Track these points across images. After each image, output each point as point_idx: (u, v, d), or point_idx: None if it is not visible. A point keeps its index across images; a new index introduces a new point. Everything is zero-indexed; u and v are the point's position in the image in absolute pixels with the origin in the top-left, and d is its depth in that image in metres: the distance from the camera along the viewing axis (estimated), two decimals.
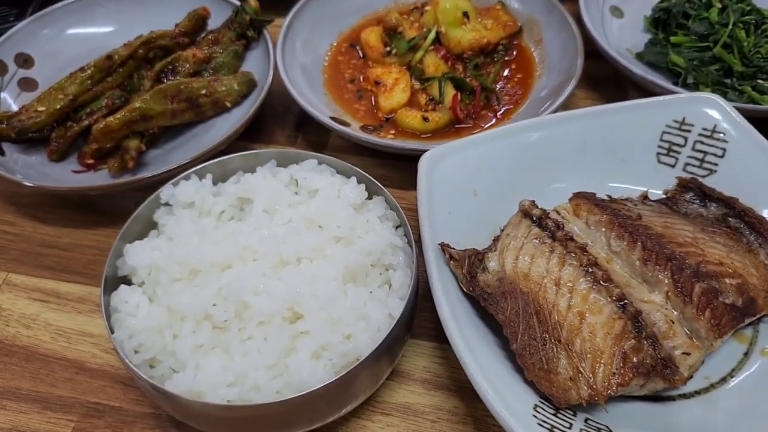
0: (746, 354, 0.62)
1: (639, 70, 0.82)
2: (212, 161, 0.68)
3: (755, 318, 0.61)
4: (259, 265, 0.59)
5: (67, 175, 0.78)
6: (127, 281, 0.62)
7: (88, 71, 0.80)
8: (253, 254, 0.60)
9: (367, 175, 0.66)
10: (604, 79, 0.88)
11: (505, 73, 0.88)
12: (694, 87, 0.84)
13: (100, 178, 0.77)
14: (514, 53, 0.89)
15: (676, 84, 0.85)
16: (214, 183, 0.68)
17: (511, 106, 0.83)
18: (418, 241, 0.64)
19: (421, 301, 0.64)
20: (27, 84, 0.87)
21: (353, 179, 0.67)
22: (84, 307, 0.71)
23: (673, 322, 0.59)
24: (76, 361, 0.67)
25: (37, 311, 0.71)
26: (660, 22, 0.91)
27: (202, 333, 0.57)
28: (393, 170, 0.79)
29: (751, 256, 0.65)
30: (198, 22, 0.88)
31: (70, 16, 0.91)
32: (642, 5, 0.95)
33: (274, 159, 0.69)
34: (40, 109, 0.77)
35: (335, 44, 0.91)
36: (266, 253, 0.59)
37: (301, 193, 0.67)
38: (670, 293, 0.60)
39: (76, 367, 0.66)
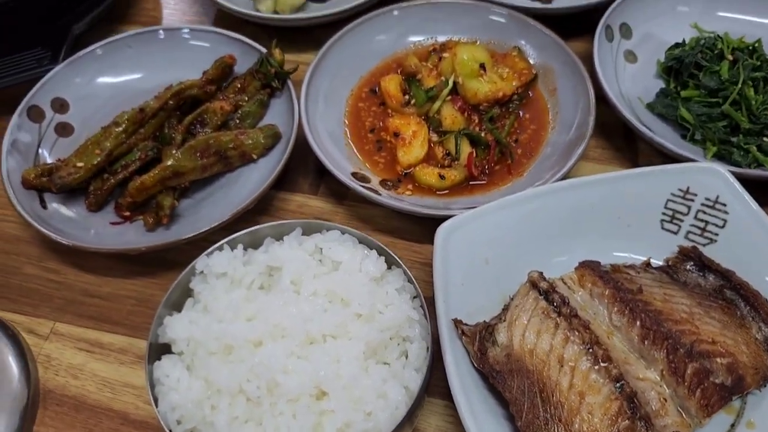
0: (733, 425, 0.68)
1: (647, 129, 0.85)
2: (243, 232, 0.73)
3: (744, 394, 0.67)
4: (287, 343, 0.65)
5: (105, 227, 0.83)
6: (167, 346, 0.69)
7: (123, 125, 0.85)
8: (282, 331, 0.66)
9: (386, 248, 0.71)
10: (615, 127, 0.92)
11: (520, 121, 0.91)
12: (702, 143, 0.87)
13: (136, 230, 0.83)
14: (530, 100, 0.93)
15: (684, 137, 0.89)
16: (245, 248, 0.73)
17: (525, 160, 0.87)
18: (433, 311, 0.69)
19: (435, 361, 0.69)
20: (64, 129, 0.92)
21: (374, 252, 0.72)
22: (126, 358, 0.77)
23: (666, 400, 0.65)
24: (121, 412, 0.74)
25: (83, 361, 0.77)
26: (672, 70, 0.94)
27: (238, 406, 0.63)
28: (412, 223, 0.84)
29: (743, 332, 0.70)
30: (225, 69, 0.92)
31: (100, 59, 0.95)
32: (656, 49, 0.97)
33: (300, 228, 0.74)
34: (79, 165, 0.82)
35: (356, 89, 0.94)
36: (294, 331, 0.65)
37: (326, 262, 0.72)
38: (664, 372, 0.66)
39: (121, 417, 0.73)
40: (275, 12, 1.03)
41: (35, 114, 0.90)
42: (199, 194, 0.87)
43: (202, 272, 0.71)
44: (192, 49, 0.96)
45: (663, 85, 0.94)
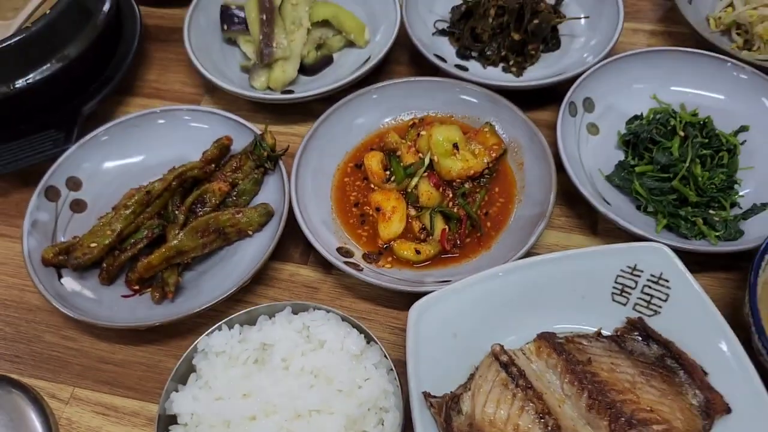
0: None
1: (604, 202, 0.95)
2: (240, 313, 0.84)
3: None
4: (278, 418, 0.75)
5: (117, 300, 0.94)
6: (174, 418, 0.79)
7: (131, 208, 0.95)
8: (273, 408, 0.76)
9: (364, 327, 0.82)
10: (576, 196, 1.00)
11: (491, 195, 1.00)
12: (653, 215, 0.96)
13: (145, 302, 0.93)
14: (500, 173, 1.02)
15: (639, 208, 0.98)
16: (242, 325, 0.83)
17: (493, 233, 0.96)
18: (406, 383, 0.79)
19: (408, 429, 0.79)
20: (78, 205, 1.02)
21: (354, 330, 0.82)
22: (138, 420, 0.88)
23: None
24: None
25: (100, 424, 0.88)
26: (630, 143, 1.03)
27: None
28: (391, 293, 0.94)
29: (680, 399, 0.79)
30: (222, 150, 1.02)
31: (109, 141, 1.05)
32: (617, 121, 1.06)
33: (290, 307, 0.84)
34: (92, 245, 0.92)
35: (342, 165, 1.04)
36: (283, 407, 0.76)
37: (312, 339, 0.82)
38: None
39: None
40: (268, 88, 1.12)
41: (52, 194, 1.00)
42: (201, 267, 0.97)
43: (203, 350, 0.82)
44: (191, 129, 1.05)
45: (623, 156, 1.04)
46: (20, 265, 0.96)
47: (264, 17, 1.11)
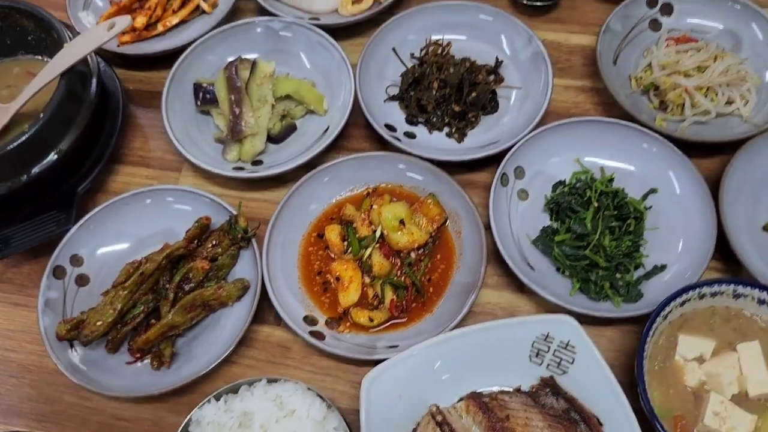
0: None
1: (527, 268, 1.13)
2: (225, 387, 1.03)
3: None
4: None
5: (121, 366, 1.12)
6: None
7: (128, 289, 1.12)
8: None
9: (325, 397, 1.01)
10: None
11: (434, 262, 1.18)
12: (570, 277, 1.14)
13: (146, 367, 1.12)
14: (442, 241, 1.19)
15: (558, 270, 1.16)
16: (227, 394, 1.03)
17: (435, 298, 1.14)
18: None
19: None
20: (81, 279, 1.19)
21: (318, 399, 1.01)
22: None
23: None
24: None
25: None
26: (553, 211, 1.20)
27: None
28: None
29: None
30: (203, 228, 1.18)
31: (104, 219, 1.20)
32: (544, 185, 1.23)
33: (265, 379, 1.03)
34: (98, 323, 1.10)
35: (306, 235, 1.21)
36: None
37: (284, 408, 1.02)
38: None
39: None
40: (240, 159, 1.28)
41: (59, 272, 1.17)
42: (190, 333, 1.15)
43: (197, 420, 1.01)
44: (175, 208, 1.21)
45: (548, 217, 1.21)
46: (37, 332, 1.14)
47: (232, 97, 1.25)
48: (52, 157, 1.17)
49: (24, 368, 1.17)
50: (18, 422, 1.13)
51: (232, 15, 1.43)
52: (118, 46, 1.40)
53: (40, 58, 1.35)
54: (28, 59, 1.36)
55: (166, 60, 1.37)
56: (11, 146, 1.12)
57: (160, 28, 1.42)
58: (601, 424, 1.01)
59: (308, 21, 1.38)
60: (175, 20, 1.42)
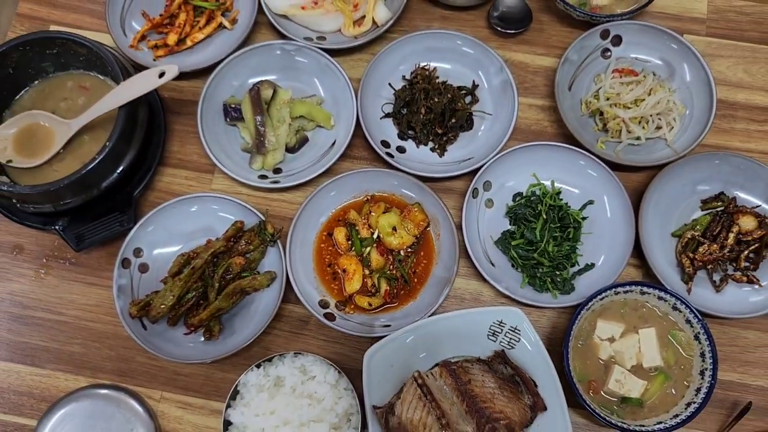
0: None
1: (489, 265, 1.49)
2: (264, 359, 1.40)
3: None
4: (291, 428, 1.35)
5: (181, 336, 1.49)
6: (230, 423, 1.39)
7: (183, 280, 1.47)
8: (287, 421, 1.35)
9: (337, 367, 1.40)
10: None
11: (418, 258, 1.53)
12: (521, 272, 1.51)
13: (199, 338, 1.49)
14: (425, 241, 1.54)
15: (513, 266, 1.52)
16: (265, 362, 1.41)
17: (419, 287, 1.51)
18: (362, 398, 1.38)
19: (365, 426, 1.40)
20: (143, 267, 1.53)
21: (331, 368, 1.40)
22: (204, 411, 1.47)
23: None
24: None
25: (181, 414, 1.48)
26: (512, 217, 1.54)
27: None
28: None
29: (518, 402, 1.39)
30: (237, 231, 1.51)
31: (157, 219, 1.52)
32: (507, 195, 1.56)
33: (293, 353, 1.41)
34: (162, 306, 1.45)
35: (318, 234, 1.55)
36: (293, 420, 1.35)
37: (307, 374, 1.40)
38: (475, 428, 1.37)
39: None
40: (263, 168, 1.59)
41: (126, 263, 1.50)
42: (232, 311, 1.51)
43: (243, 383, 1.40)
44: (215, 211, 1.54)
45: (508, 223, 1.55)
46: (110, 306, 1.48)
47: (258, 118, 1.54)
48: (117, 173, 1.48)
49: (103, 335, 1.53)
50: (103, 376, 1.51)
51: (251, 30, 1.68)
52: (155, 60, 1.66)
53: (91, 74, 1.61)
54: (80, 73, 1.61)
55: (195, 72, 1.64)
56: (85, 171, 1.41)
57: (188, 43, 1.67)
58: (536, 386, 1.41)
59: (317, 41, 1.64)
60: (201, 36, 1.67)
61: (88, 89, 1.60)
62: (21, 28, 1.75)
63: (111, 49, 1.55)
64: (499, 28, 1.68)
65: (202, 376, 1.50)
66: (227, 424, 1.39)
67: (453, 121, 1.57)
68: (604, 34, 1.63)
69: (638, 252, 1.50)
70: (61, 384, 1.50)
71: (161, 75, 1.43)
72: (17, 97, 1.59)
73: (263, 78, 1.63)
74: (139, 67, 1.63)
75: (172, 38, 1.65)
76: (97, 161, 1.42)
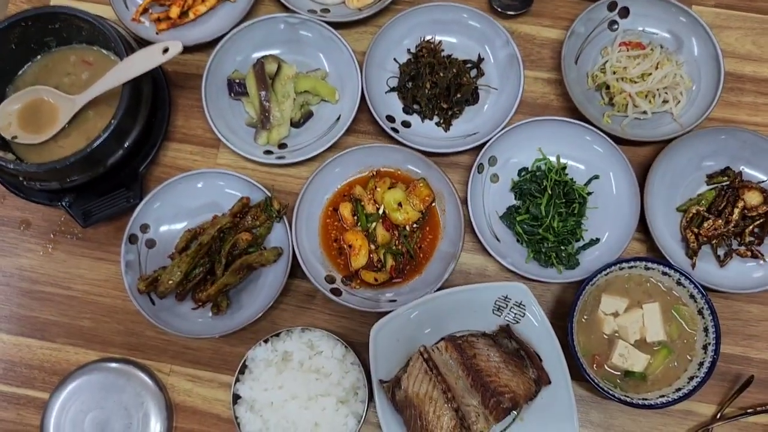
0: (512, 421, 1.43)
1: (494, 240, 1.50)
2: (271, 334, 1.42)
3: (518, 409, 1.41)
4: (298, 402, 1.37)
5: (189, 310, 1.51)
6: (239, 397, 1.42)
7: (190, 256, 1.48)
8: (295, 395, 1.38)
9: (344, 342, 1.41)
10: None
11: (424, 233, 1.54)
12: (526, 247, 1.52)
13: (207, 313, 1.51)
14: (430, 216, 1.54)
15: (518, 241, 1.53)
16: (272, 337, 1.43)
17: (424, 262, 1.52)
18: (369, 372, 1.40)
19: (371, 400, 1.42)
20: (150, 243, 1.54)
21: (339, 343, 1.42)
22: (213, 384, 1.50)
23: (479, 415, 1.39)
24: (215, 414, 1.49)
25: (191, 387, 1.50)
26: (517, 193, 1.54)
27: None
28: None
29: (523, 376, 1.41)
30: (243, 207, 1.52)
31: (163, 195, 1.53)
32: (512, 170, 1.56)
33: (300, 328, 1.43)
34: (170, 282, 1.47)
35: (324, 209, 1.55)
36: (302, 394, 1.38)
37: (314, 349, 1.42)
38: (480, 401, 1.39)
39: (215, 417, 1.49)
40: (268, 143, 1.58)
41: (133, 239, 1.51)
42: (240, 286, 1.53)
43: (252, 358, 1.42)
44: (220, 186, 1.54)
45: (513, 198, 1.56)
46: (119, 281, 1.50)
47: (262, 94, 1.54)
48: (123, 150, 1.48)
49: (112, 309, 1.55)
50: (113, 350, 1.53)
51: (255, 2, 1.66)
52: (157, 33, 1.64)
53: (94, 48, 1.59)
54: (83, 48, 1.60)
55: (199, 45, 1.62)
56: (90, 149, 1.41)
57: (191, 15, 1.66)
58: (540, 360, 1.43)
59: (320, 14, 1.63)
60: (203, 9, 1.66)
61: (91, 64, 1.59)
62: (21, 1, 1.73)
63: (113, 24, 1.54)
64: (499, 9, 1.66)
65: (210, 350, 1.52)
66: (236, 397, 1.41)
67: (458, 95, 1.56)
68: (612, 6, 1.61)
69: (643, 226, 1.50)
70: (71, 358, 1.52)
71: (165, 51, 1.42)
72: (20, 72, 1.58)
73: (267, 52, 1.61)
74: (142, 41, 1.63)
75: (174, 11, 1.64)
76: (102, 138, 1.42)
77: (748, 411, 1.45)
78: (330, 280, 1.51)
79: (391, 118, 1.59)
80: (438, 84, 1.55)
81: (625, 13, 1.62)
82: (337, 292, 1.48)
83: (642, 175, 1.53)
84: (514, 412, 1.42)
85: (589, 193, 1.53)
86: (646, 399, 1.39)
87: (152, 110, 1.55)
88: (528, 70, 1.63)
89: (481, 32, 1.62)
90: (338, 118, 1.59)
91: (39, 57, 1.60)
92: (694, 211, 1.51)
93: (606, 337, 1.45)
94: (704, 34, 1.57)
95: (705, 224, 1.49)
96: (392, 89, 1.62)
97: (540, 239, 1.50)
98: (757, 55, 1.65)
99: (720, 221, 1.48)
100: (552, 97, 1.64)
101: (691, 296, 1.43)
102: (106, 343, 1.53)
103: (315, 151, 1.54)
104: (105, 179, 1.51)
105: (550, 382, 1.41)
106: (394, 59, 1.63)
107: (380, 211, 1.52)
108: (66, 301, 1.56)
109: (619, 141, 1.53)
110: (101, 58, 1.59)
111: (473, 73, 1.62)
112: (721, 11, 1.68)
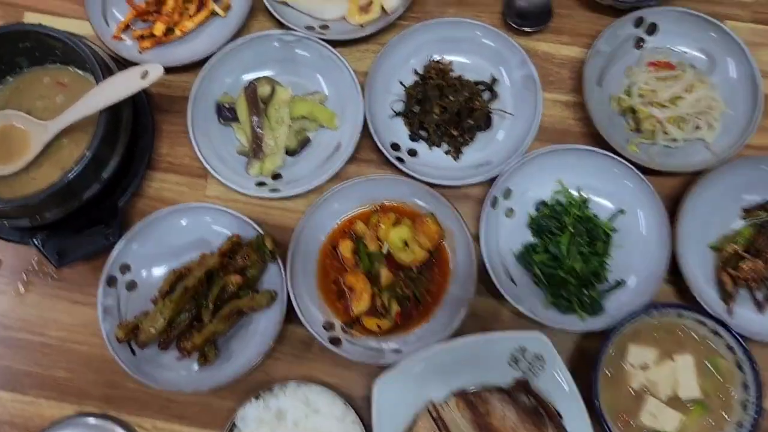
0: None
1: (509, 282, 1.36)
2: (263, 391, 1.28)
3: None
4: None
5: (173, 360, 1.37)
6: None
7: (174, 301, 1.34)
8: None
9: (342, 397, 1.28)
10: None
11: (432, 273, 1.40)
12: (546, 292, 1.37)
13: (194, 363, 1.37)
14: (439, 254, 1.40)
15: (535, 283, 1.39)
16: (264, 391, 1.29)
17: (432, 306, 1.38)
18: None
19: None
20: (131, 285, 1.41)
21: (337, 398, 1.28)
22: None
23: None
24: None
25: None
26: (534, 230, 1.40)
27: None
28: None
29: None
30: (234, 245, 1.38)
31: (145, 232, 1.39)
32: (529, 203, 1.42)
33: (294, 383, 1.29)
34: (152, 330, 1.33)
35: (322, 248, 1.41)
36: None
37: (310, 406, 1.28)
38: None
39: None
40: (261, 173, 1.44)
41: (112, 282, 1.38)
42: (230, 332, 1.39)
43: (242, 417, 1.28)
44: (209, 225, 1.40)
45: (530, 233, 1.41)
46: (97, 326, 1.36)
47: (254, 119, 1.40)
48: (100, 183, 1.34)
49: (90, 358, 1.42)
50: (90, 403, 1.40)
51: (247, 18, 1.51)
52: (140, 52, 1.51)
53: (69, 68, 1.46)
54: (56, 68, 1.47)
55: (185, 66, 1.48)
56: (63, 183, 1.28)
57: (177, 32, 1.52)
58: (561, 418, 1.29)
59: (319, 31, 1.48)
60: (191, 25, 1.52)
61: (66, 86, 1.46)
62: None
63: (89, 43, 1.40)
64: (515, 26, 1.51)
65: (197, 405, 1.38)
66: None
67: (470, 121, 1.42)
68: (638, 22, 1.47)
69: (673, 265, 1.36)
70: (45, 412, 1.39)
71: (144, 75, 1.27)
72: None
73: (260, 74, 1.48)
74: (123, 61, 1.49)
75: (159, 28, 1.50)
76: (76, 171, 1.28)
77: None
78: (328, 327, 1.37)
79: (396, 146, 1.45)
80: (448, 109, 1.41)
81: (652, 29, 1.48)
82: (336, 341, 1.35)
83: (671, 208, 1.39)
84: None
85: (614, 230, 1.39)
86: None
87: (133, 138, 1.42)
88: (546, 92, 1.49)
89: (496, 51, 1.47)
90: (338, 146, 1.45)
91: (10, 79, 1.46)
92: (730, 251, 1.37)
93: (633, 392, 1.31)
94: (740, 53, 1.43)
95: (742, 265, 1.35)
96: (397, 114, 1.48)
97: (560, 281, 1.36)
98: None
99: (759, 263, 1.34)
100: (572, 121, 1.50)
101: (729, 347, 1.29)
102: (82, 395, 1.40)
103: (312, 184, 1.40)
104: (81, 214, 1.38)
105: None
106: (400, 82, 1.49)
107: (384, 250, 1.38)
108: (39, 349, 1.42)
109: (646, 171, 1.39)
110: (77, 80, 1.46)
111: (486, 95, 1.48)
112: (758, 27, 1.53)
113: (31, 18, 1.59)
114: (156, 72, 1.28)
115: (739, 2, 1.55)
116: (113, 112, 1.34)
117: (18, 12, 1.60)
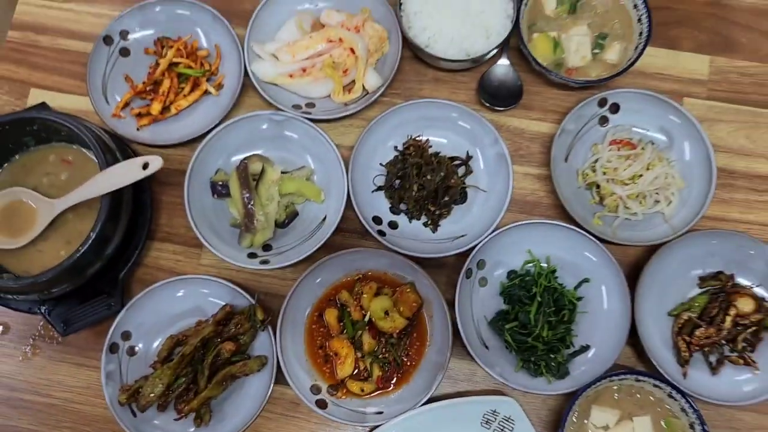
0: None
1: (482, 348, 1.47)
2: None
3: None
4: None
5: (170, 423, 1.48)
6: None
7: (172, 368, 1.45)
8: None
9: None
10: None
11: (411, 339, 1.51)
12: (517, 359, 1.49)
13: (190, 423, 1.48)
14: (418, 321, 1.52)
15: (506, 348, 1.50)
16: None
17: (412, 370, 1.49)
18: None
19: None
20: (131, 351, 1.52)
21: None
22: None
23: None
24: None
25: None
26: (506, 298, 1.52)
27: None
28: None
29: None
30: (227, 314, 1.49)
31: (145, 302, 1.51)
32: (501, 272, 1.54)
33: None
34: (151, 395, 1.44)
35: (309, 315, 1.53)
36: None
37: None
38: None
39: None
40: (252, 245, 1.55)
41: (114, 348, 1.49)
42: (223, 394, 1.50)
43: None
44: (205, 296, 1.51)
45: (503, 301, 1.53)
46: (100, 388, 1.47)
47: (246, 195, 1.51)
48: (103, 260, 1.44)
49: (93, 419, 1.53)
50: None
51: (239, 95, 1.63)
52: (138, 129, 1.61)
53: (73, 147, 1.56)
54: (62, 146, 1.58)
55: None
56: (69, 262, 1.38)
57: (173, 110, 1.63)
58: None
59: (305, 109, 1.60)
60: (185, 103, 1.63)
61: (71, 163, 1.56)
62: (1, 92, 1.70)
63: (90, 125, 1.51)
64: (487, 105, 1.63)
65: None
66: None
67: (446, 198, 1.53)
68: (602, 102, 1.59)
69: (633, 329, 1.48)
70: None
71: (145, 166, 1.38)
72: None
73: (251, 152, 1.59)
74: (122, 140, 1.59)
75: (156, 107, 1.61)
76: (82, 251, 1.39)
77: None
78: (315, 390, 1.48)
79: (377, 219, 1.56)
80: (425, 186, 1.53)
81: (615, 108, 1.60)
82: (322, 403, 1.46)
83: (631, 275, 1.51)
84: None
85: (579, 298, 1.51)
86: None
87: (133, 215, 1.52)
88: (517, 165, 1.61)
89: (470, 131, 1.59)
90: (324, 219, 1.56)
91: (17, 156, 1.57)
92: (685, 318, 1.49)
93: None
94: (696, 135, 1.55)
95: (697, 332, 1.47)
96: (379, 188, 1.60)
97: (529, 348, 1.47)
98: (750, 149, 1.63)
99: (712, 329, 1.46)
100: (542, 193, 1.62)
101: (682, 409, 1.42)
102: None
103: (299, 256, 1.51)
104: (85, 287, 1.48)
105: None
106: (381, 164, 1.60)
107: (366, 319, 1.49)
108: (45, 410, 1.53)
109: (609, 241, 1.51)
110: (81, 157, 1.57)
111: (461, 170, 1.59)
112: (713, 104, 1.66)
113: (36, 94, 1.70)
114: (156, 163, 1.39)
115: (696, 80, 1.67)
116: (115, 194, 1.44)
117: (24, 88, 1.71)
